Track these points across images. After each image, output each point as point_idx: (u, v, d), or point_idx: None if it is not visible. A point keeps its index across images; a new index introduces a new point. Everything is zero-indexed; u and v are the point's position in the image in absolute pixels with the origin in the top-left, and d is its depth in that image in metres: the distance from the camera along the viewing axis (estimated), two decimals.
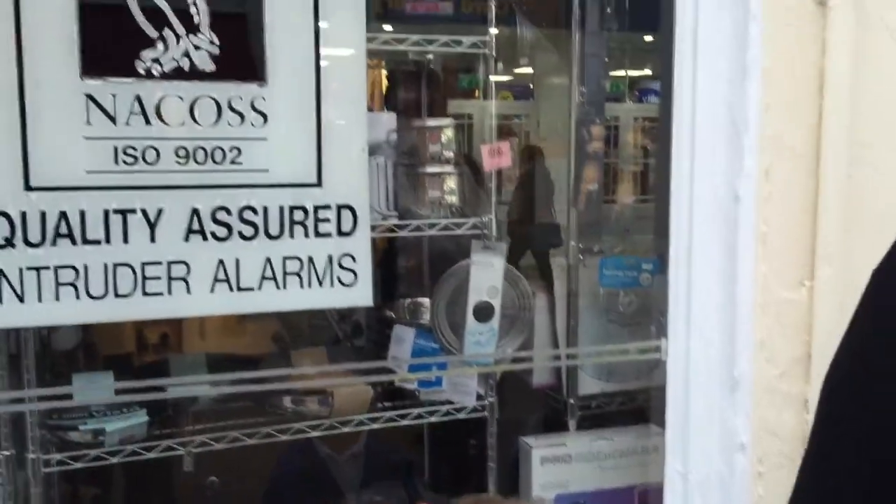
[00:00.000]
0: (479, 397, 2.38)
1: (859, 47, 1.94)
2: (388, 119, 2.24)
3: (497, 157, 2.28)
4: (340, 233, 1.84)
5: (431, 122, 2.37)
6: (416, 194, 2.34)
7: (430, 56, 2.70)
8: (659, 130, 2.49)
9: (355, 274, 1.86)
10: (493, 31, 2.23)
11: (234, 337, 2.91)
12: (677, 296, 2.11)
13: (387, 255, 2.97)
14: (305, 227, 1.81)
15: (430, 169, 2.34)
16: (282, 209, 1.79)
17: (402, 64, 2.84)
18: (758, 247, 1.96)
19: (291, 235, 1.80)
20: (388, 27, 2.10)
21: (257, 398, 2.27)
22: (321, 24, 1.77)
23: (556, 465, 2.35)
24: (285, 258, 1.80)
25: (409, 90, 2.75)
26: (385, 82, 3.00)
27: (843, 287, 2.00)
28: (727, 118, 1.97)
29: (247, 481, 2.62)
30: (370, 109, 2.38)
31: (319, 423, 2.23)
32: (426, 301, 2.45)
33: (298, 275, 1.81)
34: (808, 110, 1.95)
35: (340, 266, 1.85)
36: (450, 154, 2.35)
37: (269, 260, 1.79)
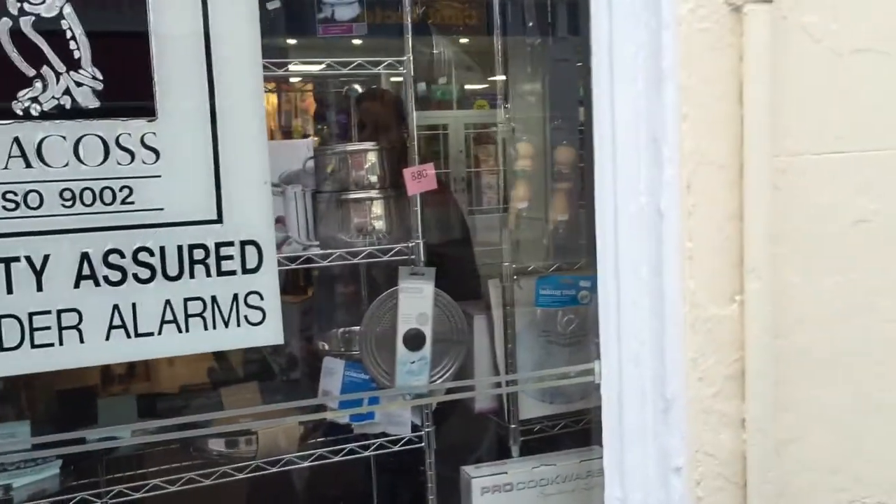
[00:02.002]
0: (415, 427, 2.31)
1: (778, 52, 1.88)
2: (305, 146, 2.17)
3: (420, 181, 2.21)
4: (245, 270, 1.76)
5: (353, 147, 2.30)
6: (340, 221, 2.27)
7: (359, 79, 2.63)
8: (586, 144, 2.43)
9: (263, 312, 1.77)
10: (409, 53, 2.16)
11: (166, 372, 2.81)
12: (607, 315, 2.04)
13: (321, 283, 2.89)
14: (207, 266, 1.73)
15: (354, 195, 2.27)
16: (180, 248, 1.71)
17: (331, 88, 2.78)
18: (684, 263, 1.89)
19: (192, 275, 1.72)
20: (299, 53, 2.02)
21: (182, 441, 2.18)
22: (213, 54, 1.69)
23: (497, 494, 2.27)
24: (186, 299, 1.72)
25: (339, 114, 2.68)
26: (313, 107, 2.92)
27: (774, 300, 1.94)
28: (646, 130, 1.91)
29: None
30: (291, 136, 2.31)
31: (246, 465, 2.14)
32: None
33: (202, 316, 1.73)
34: (728, 120, 1.88)
35: (247, 304, 1.76)
36: (374, 178, 2.28)
37: (168, 302, 1.71)
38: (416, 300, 2.21)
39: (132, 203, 1.67)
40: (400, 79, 2.68)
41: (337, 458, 2.21)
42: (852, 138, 1.98)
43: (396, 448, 2.25)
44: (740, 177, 1.90)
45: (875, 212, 1.99)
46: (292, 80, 3.11)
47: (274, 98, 3.91)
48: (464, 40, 2.80)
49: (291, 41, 2.55)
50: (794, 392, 1.98)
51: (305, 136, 3.24)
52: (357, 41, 2.28)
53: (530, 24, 2.43)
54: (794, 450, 1.99)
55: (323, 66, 2.07)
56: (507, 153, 2.37)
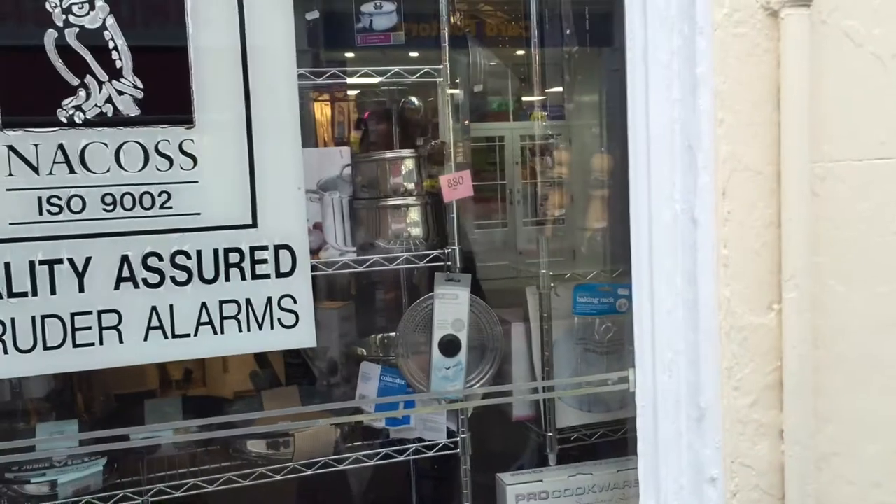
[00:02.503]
0: (451, 433, 2.31)
1: (817, 57, 1.85)
2: (342, 154, 2.20)
3: (457, 188, 2.22)
4: (279, 273, 1.79)
5: (391, 154, 2.33)
6: (377, 228, 2.29)
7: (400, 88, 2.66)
8: (620, 152, 2.41)
9: (296, 315, 1.81)
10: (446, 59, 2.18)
11: (220, 379, 2.87)
12: (641, 324, 2.02)
13: (361, 289, 2.92)
14: (242, 270, 1.77)
15: (392, 202, 2.29)
16: (216, 252, 1.75)
17: (373, 97, 2.81)
18: (720, 270, 1.87)
19: (227, 278, 1.76)
20: (339, 61, 2.06)
21: (221, 441, 2.23)
22: (250, 65, 1.74)
23: (533, 502, 2.27)
24: (222, 302, 1.76)
25: (379, 122, 2.71)
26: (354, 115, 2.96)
27: (813, 309, 1.90)
28: (681, 137, 1.89)
29: None
30: (344, 141, 2.35)
31: (283, 467, 2.17)
32: None
33: (236, 318, 1.77)
34: (765, 125, 1.86)
35: (280, 307, 1.80)
36: (411, 185, 2.31)
37: (204, 304, 1.75)
38: (452, 306, 2.22)
39: (170, 207, 1.72)
40: (457, 91, 2.71)
41: (372, 462, 2.23)
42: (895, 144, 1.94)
43: (432, 454, 2.26)
44: (778, 183, 1.87)
45: None
46: (346, 91, 3.16)
47: (328, 109, 3.99)
48: (520, 52, 2.81)
49: (349, 54, 2.60)
50: (835, 403, 1.93)
51: (342, 143, 3.29)
52: (413, 53, 2.30)
53: (581, 34, 2.43)
54: (835, 462, 1.94)
55: (359, 75, 2.10)
56: (544, 162, 2.37)
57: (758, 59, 1.85)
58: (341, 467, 2.20)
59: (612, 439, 2.48)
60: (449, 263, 2.23)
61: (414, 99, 2.77)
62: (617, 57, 2.75)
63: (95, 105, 1.66)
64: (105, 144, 1.68)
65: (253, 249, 1.78)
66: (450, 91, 2.18)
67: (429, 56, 2.21)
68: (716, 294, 1.87)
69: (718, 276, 1.87)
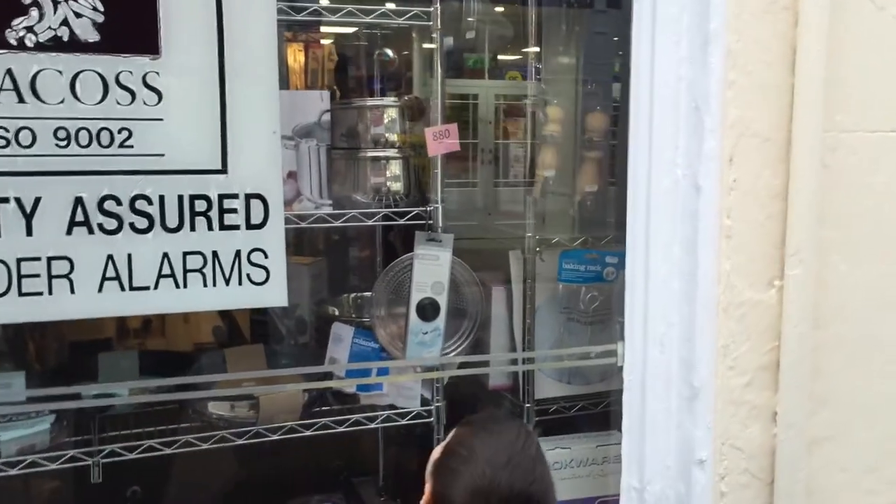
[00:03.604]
0: (425, 401, 2.20)
1: (836, 19, 1.73)
2: (321, 98, 2.04)
3: (443, 141, 2.08)
4: (249, 225, 1.65)
5: (372, 102, 2.18)
6: (356, 180, 2.15)
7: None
8: (619, 112, 2.29)
9: (267, 271, 1.66)
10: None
11: (181, 329, 2.72)
12: (634, 295, 1.91)
13: (334, 244, 2.78)
14: (209, 219, 1.62)
15: (372, 153, 2.14)
16: (181, 198, 1.59)
17: (356, 40, 2.65)
18: (721, 242, 1.76)
19: (192, 228, 1.61)
20: None
21: (181, 400, 2.09)
22: None
23: None
24: (185, 253, 1.61)
25: (360, 68, 2.55)
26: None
27: (816, 287, 1.80)
28: (688, 98, 1.76)
29: (176, 487, 2.44)
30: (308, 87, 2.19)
31: (246, 431, 2.04)
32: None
33: (201, 272, 1.62)
34: (778, 90, 1.73)
35: (250, 262, 1.65)
36: (393, 137, 2.16)
37: (166, 255, 1.60)
38: (433, 268, 2.09)
39: (131, 147, 1.56)
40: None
41: (341, 429, 2.11)
42: None
43: (404, 422, 2.15)
44: (787, 152, 1.76)
45: None
46: (323, 30, 2.99)
47: (301, 56, 3.81)
48: (498, 8, 2.65)
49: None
50: (832, 386, 1.84)
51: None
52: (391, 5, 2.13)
53: None
54: (827, 448, 1.85)
55: (344, 13, 1.93)
56: (535, 119, 2.23)
57: (774, 17, 1.72)
58: (308, 433, 2.07)
59: (592, 413, 2.38)
60: (430, 222, 2.10)
61: (388, 50, 2.62)
62: (600, 18, 2.64)
63: (49, 27, 1.49)
64: (59, 72, 1.51)
65: (222, 197, 1.62)
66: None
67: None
68: (716, 267, 1.75)
69: (720, 248, 1.75)
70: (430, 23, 2.03)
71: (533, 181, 2.27)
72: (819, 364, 1.81)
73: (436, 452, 1.43)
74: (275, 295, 1.68)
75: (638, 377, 1.90)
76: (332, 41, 3.54)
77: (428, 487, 1.41)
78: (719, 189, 1.74)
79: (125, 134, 1.55)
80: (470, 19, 2.19)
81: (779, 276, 1.78)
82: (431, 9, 2.03)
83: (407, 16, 2.00)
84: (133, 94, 1.55)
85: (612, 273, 2.30)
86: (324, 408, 2.18)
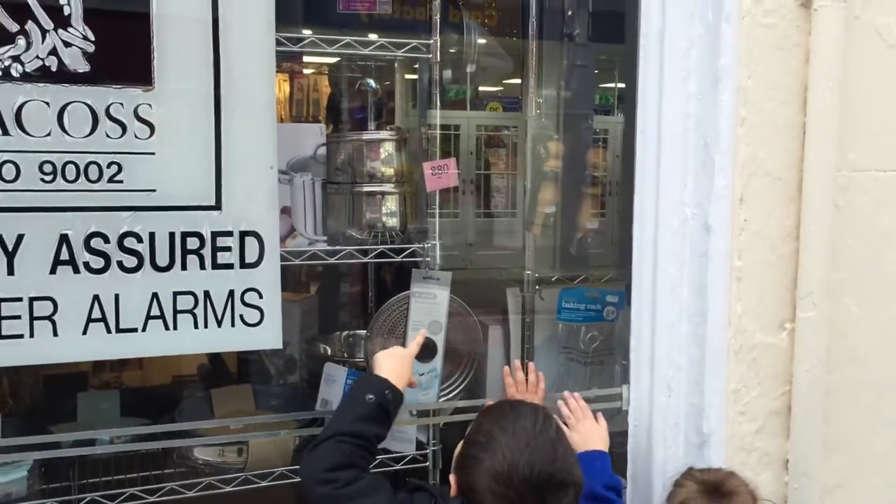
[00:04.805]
0: (420, 445, 2.11)
1: (848, 56, 1.70)
2: (317, 131, 1.97)
3: (441, 176, 2.02)
4: (244, 264, 1.57)
5: (369, 136, 2.11)
6: (350, 216, 2.08)
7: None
8: (625, 149, 2.24)
9: (261, 312, 1.59)
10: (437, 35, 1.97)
11: (159, 363, 2.61)
12: (640, 338, 1.85)
13: (325, 281, 2.70)
14: (201, 257, 1.54)
15: (368, 188, 2.08)
16: (172, 235, 1.52)
17: (347, 71, 2.59)
18: (731, 283, 1.70)
19: (184, 267, 1.53)
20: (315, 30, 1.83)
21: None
22: (221, 17, 1.50)
23: None
24: (176, 293, 1.53)
25: (353, 100, 2.49)
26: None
27: (829, 329, 1.75)
28: (697, 135, 1.72)
29: None
30: (302, 120, 2.13)
31: (234, 477, 1.95)
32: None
33: (192, 312, 1.54)
34: (789, 128, 1.69)
35: (244, 302, 1.58)
36: (390, 171, 2.09)
37: (156, 295, 1.52)
38: (429, 307, 2.02)
39: (120, 182, 1.48)
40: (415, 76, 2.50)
41: None
42: None
43: (399, 466, 2.06)
44: (798, 191, 1.71)
45: None
46: (306, 60, 2.94)
47: (286, 85, 3.76)
48: (481, 41, 2.62)
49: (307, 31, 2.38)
50: (844, 432, 1.78)
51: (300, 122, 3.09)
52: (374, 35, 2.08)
53: (558, 28, 2.24)
54: (840, 496, 1.80)
55: (342, 44, 1.88)
56: (535, 152, 2.18)
57: (786, 54, 1.69)
58: (299, 479, 1.97)
59: None
60: (427, 259, 2.03)
61: (371, 81, 2.57)
62: (581, 52, 2.61)
63: (37, 56, 1.41)
64: (46, 103, 1.43)
65: (215, 235, 1.55)
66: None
67: (401, 37, 1.99)
68: (726, 309, 1.70)
69: (730, 290, 1.70)
70: (430, 55, 1.97)
71: (515, 212, 2.22)
72: (830, 409, 1.76)
73: (459, 446, 1.44)
74: (269, 337, 1.60)
75: (644, 423, 1.84)
76: (313, 71, 3.49)
77: (453, 479, 1.42)
78: (730, 229, 1.69)
79: (115, 168, 1.48)
80: (468, 50, 2.14)
81: (790, 318, 1.73)
82: (431, 41, 1.97)
83: (406, 48, 1.94)
84: (124, 126, 1.47)
85: (612, 312, 2.24)
86: None
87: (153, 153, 1.50)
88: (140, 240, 1.50)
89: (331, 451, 1.44)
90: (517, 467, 1.32)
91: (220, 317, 1.56)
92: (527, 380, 1.86)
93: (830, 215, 1.70)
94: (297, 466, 1.99)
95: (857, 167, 1.75)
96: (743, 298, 1.71)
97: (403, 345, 2.01)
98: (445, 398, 2.05)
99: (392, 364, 1.60)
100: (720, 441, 1.71)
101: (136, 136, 1.48)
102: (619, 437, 1.98)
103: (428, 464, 2.10)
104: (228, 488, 1.94)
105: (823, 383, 1.73)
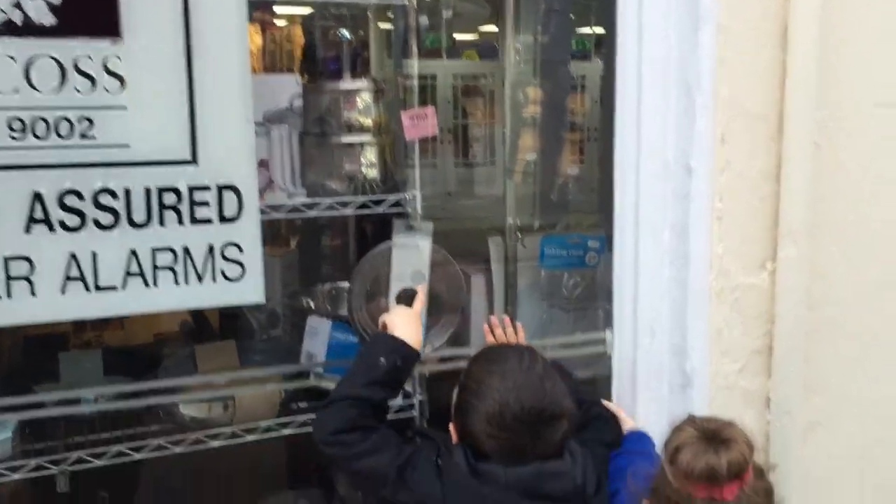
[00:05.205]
0: (407, 394, 2.12)
1: None
2: (292, 82, 1.94)
3: (420, 124, 1.99)
4: (223, 218, 1.55)
5: (346, 86, 2.08)
6: (329, 168, 2.05)
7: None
8: (603, 94, 2.22)
9: (242, 266, 1.57)
10: None
11: (142, 321, 2.59)
12: (622, 281, 1.85)
13: (306, 234, 2.68)
14: (179, 213, 1.52)
15: (346, 139, 2.05)
16: (148, 191, 1.49)
17: (321, 20, 2.53)
18: (713, 224, 1.71)
19: (161, 223, 1.51)
20: None
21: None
22: None
23: None
24: (154, 250, 1.51)
25: (328, 50, 2.43)
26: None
27: (810, 269, 1.76)
28: (678, 76, 1.70)
29: (148, 488, 2.34)
30: (276, 71, 2.09)
31: (220, 432, 1.95)
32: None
33: (172, 269, 1.53)
34: (770, 66, 1.68)
35: (224, 257, 1.56)
36: (368, 121, 2.06)
37: (134, 253, 1.50)
38: (412, 257, 2.01)
39: (93, 137, 1.45)
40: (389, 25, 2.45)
41: None
42: None
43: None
44: (779, 131, 1.71)
45: None
46: (278, 12, 2.88)
47: (258, 38, 3.69)
48: None
49: None
50: (825, 371, 1.81)
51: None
52: None
53: None
54: (821, 434, 1.82)
55: None
56: (514, 99, 2.15)
57: None
58: (287, 431, 1.98)
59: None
60: (409, 210, 2.01)
61: (345, 31, 2.51)
62: None
63: (1, 10, 1.37)
64: (12, 58, 1.39)
65: (192, 189, 1.52)
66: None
67: None
68: (708, 250, 1.70)
69: (712, 231, 1.70)
70: (406, 2, 1.93)
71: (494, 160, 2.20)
72: (810, 349, 1.78)
73: (454, 395, 1.48)
74: (251, 292, 1.59)
75: (628, 366, 1.85)
76: (286, 24, 3.42)
77: (452, 427, 1.46)
78: (712, 170, 1.69)
79: (86, 124, 1.44)
80: None
81: (772, 258, 1.74)
82: None
83: None
84: (93, 80, 1.44)
85: (594, 258, 2.24)
86: (301, 404, 2.10)
87: (124, 107, 1.47)
88: (115, 196, 1.48)
89: (339, 414, 1.47)
90: (508, 406, 1.35)
91: (200, 272, 1.55)
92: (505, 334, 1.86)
93: (811, 154, 1.70)
94: (284, 419, 2.00)
95: (840, 105, 1.74)
96: (724, 239, 1.71)
97: (386, 295, 2.00)
98: (431, 348, 2.05)
99: (405, 328, 1.60)
100: (703, 381, 1.73)
101: (106, 90, 1.45)
102: (603, 383, 2.00)
103: (415, 413, 2.11)
104: (216, 443, 1.95)
105: (804, 323, 1.75)
